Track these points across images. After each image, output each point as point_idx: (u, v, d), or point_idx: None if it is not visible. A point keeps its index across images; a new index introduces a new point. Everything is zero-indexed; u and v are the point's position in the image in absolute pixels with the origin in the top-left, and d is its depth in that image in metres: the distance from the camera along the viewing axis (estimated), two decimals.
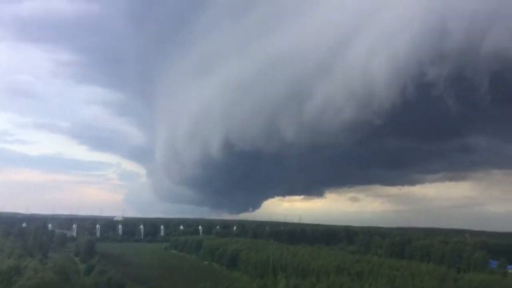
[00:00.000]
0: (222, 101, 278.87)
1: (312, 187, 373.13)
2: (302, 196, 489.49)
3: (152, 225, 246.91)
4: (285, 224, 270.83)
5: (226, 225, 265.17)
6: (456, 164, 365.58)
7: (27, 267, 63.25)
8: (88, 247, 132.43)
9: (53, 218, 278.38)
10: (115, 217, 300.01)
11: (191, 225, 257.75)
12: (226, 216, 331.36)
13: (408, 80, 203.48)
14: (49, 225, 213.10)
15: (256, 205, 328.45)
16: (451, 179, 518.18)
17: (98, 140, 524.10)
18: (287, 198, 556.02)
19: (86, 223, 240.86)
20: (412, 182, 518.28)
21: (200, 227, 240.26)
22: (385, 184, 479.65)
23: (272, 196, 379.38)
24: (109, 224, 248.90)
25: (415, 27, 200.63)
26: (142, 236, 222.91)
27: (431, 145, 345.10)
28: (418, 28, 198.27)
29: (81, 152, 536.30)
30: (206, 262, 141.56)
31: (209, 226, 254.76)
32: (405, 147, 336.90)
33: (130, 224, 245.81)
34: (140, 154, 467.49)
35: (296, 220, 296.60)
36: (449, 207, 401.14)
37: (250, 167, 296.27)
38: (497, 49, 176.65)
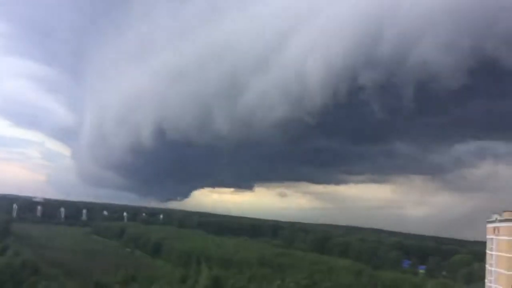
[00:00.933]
0: (157, 87, 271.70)
1: (242, 180, 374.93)
2: (232, 189, 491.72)
3: (74, 208, 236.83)
4: (213, 215, 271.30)
5: (152, 212, 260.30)
6: (380, 168, 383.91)
7: None
8: (3, 227, 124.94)
9: None
10: (34, 197, 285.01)
11: (116, 211, 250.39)
12: (154, 203, 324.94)
13: (340, 82, 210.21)
14: None
15: (185, 194, 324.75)
16: (374, 181, 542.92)
17: (22, 116, 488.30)
18: (217, 189, 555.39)
19: (3, 202, 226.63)
20: (338, 182, 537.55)
21: (125, 214, 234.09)
22: (313, 182, 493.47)
23: (202, 187, 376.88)
24: (27, 204, 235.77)
25: (352, 32, 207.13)
26: (62, 219, 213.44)
27: (358, 147, 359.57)
28: (354, 33, 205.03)
29: (2, 128, 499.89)
30: (129, 249, 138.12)
31: (135, 213, 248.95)
32: (334, 147, 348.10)
33: (51, 206, 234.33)
34: (66, 134, 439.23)
35: (224, 212, 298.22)
36: (370, 208, 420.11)
37: (181, 156, 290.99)
38: (423, 60, 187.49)
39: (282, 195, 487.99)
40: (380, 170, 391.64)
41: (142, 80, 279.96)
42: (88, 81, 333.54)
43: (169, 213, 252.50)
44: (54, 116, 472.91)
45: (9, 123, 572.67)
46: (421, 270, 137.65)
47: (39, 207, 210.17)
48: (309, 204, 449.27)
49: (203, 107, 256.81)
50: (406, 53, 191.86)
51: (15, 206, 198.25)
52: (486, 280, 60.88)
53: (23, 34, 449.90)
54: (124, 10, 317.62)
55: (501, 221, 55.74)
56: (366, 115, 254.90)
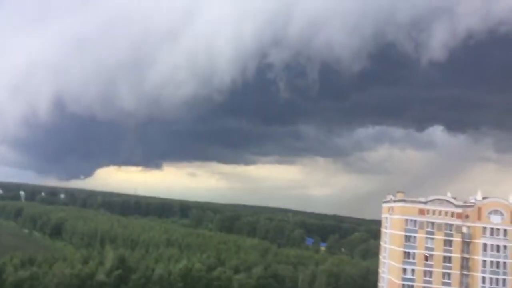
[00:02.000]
0: (56, 56, 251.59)
1: (150, 159, 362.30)
2: (139, 168, 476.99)
3: None
4: (119, 194, 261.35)
5: (53, 192, 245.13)
6: (287, 149, 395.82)
7: None
8: None
9: None
10: None
11: (12, 189, 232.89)
12: (54, 182, 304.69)
13: (249, 59, 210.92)
14: None
15: (88, 173, 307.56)
16: (281, 162, 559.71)
17: None
18: (123, 168, 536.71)
19: None
20: (247, 162, 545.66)
21: (22, 192, 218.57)
22: (222, 162, 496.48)
23: (107, 165, 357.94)
24: None
25: (262, 10, 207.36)
26: None
27: (266, 128, 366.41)
28: (265, 11, 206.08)
29: None
30: (27, 230, 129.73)
31: (33, 192, 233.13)
32: (243, 128, 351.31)
33: None
34: None
35: (131, 192, 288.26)
36: (277, 188, 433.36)
37: (84, 132, 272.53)
38: (329, 41, 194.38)
39: (192, 175, 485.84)
40: (287, 152, 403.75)
41: (41, 46, 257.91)
42: None
43: (71, 192, 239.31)
44: None
45: None
46: (323, 247, 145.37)
47: None
48: (218, 184, 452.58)
49: (108, 80, 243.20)
50: (314, 34, 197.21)
51: None
52: (380, 256, 65.61)
53: None
54: None
55: (395, 201, 60.04)
56: (274, 95, 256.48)
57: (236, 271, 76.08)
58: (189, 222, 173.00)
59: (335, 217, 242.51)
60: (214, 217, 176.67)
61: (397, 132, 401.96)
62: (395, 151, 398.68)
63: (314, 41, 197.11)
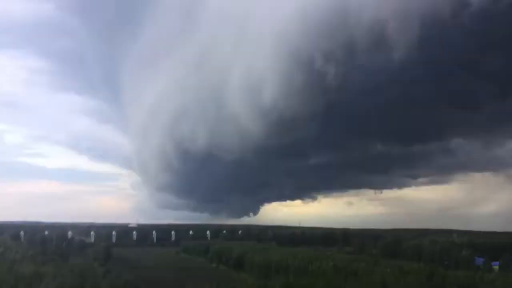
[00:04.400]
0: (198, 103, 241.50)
1: (304, 192, 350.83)
2: (299, 201, 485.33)
3: (163, 231, 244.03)
4: (286, 227, 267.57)
5: (232, 229, 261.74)
6: (439, 168, 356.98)
7: (47, 272, 62.94)
8: (105, 252, 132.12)
9: (73, 226, 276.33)
10: (129, 224, 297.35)
11: (200, 230, 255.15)
12: (232, 221, 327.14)
13: None
14: (69, 233, 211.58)
15: (255, 210, 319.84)
16: (435, 182, 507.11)
17: (93, 150, 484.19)
18: (286, 203, 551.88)
19: (103, 230, 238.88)
20: (400, 186, 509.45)
21: (208, 232, 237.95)
22: (374, 188, 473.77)
23: (269, 202, 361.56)
24: (124, 230, 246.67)
25: None
26: (154, 241, 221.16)
27: (411, 148, 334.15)
28: None
29: (84, 163, 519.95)
30: (214, 265, 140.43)
31: (216, 231, 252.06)
32: (388, 151, 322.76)
33: (144, 230, 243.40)
34: (131, 162, 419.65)
35: (296, 224, 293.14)
36: (437, 209, 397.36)
37: (232, 173, 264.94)
38: None
39: (349, 204, 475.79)
40: (439, 170, 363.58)
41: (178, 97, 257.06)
42: (125, 106, 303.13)
43: (247, 228, 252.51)
44: (118, 146, 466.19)
45: (87, 158, 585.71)
46: (495, 266, 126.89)
47: (134, 232, 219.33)
48: (376, 210, 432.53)
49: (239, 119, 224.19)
50: None
51: (114, 233, 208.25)
52: None
53: (61, 67, 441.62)
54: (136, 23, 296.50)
55: None
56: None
57: None
58: (352, 250, 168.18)
59: (506, 234, 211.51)
60: (376, 243, 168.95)
61: None
62: None
63: None
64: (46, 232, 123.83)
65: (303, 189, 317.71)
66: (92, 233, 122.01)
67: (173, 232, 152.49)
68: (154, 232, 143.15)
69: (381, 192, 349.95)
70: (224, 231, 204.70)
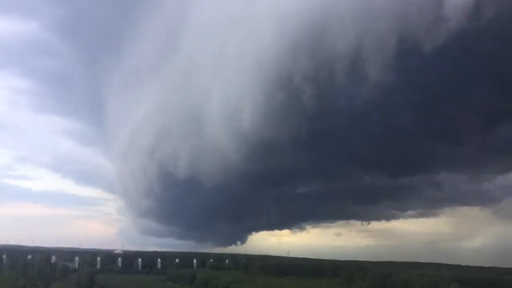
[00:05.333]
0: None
1: (292, 222, 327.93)
2: (288, 231, 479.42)
3: (149, 258, 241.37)
4: (274, 257, 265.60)
5: (219, 258, 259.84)
6: (428, 201, 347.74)
7: None
8: (89, 279, 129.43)
9: (57, 251, 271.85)
10: (114, 250, 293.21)
11: (186, 258, 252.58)
12: (219, 250, 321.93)
13: None
14: (53, 257, 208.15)
15: (242, 239, 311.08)
16: (424, 215, 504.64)
17: (78, 173, 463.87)
18: (274, 232, 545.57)
19: (88, 256, 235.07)
20: (388, 218, 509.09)
21: (194, 260, 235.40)
22: (363, 220, 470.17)
23: (257, 231, 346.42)
24: (109, 256, 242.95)
25: None
26: (140, 269, 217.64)
27: (399, 180, 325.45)
28: None
29: (69, 187, 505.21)
30: None
31: (203, 259, 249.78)
32: (376, 183, 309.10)
33: (129, 257, 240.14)
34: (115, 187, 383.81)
35: (284, 254, 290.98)
36: (425, 242, 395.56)
37: (215, 201, 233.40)
38: None
39: (337, 235, 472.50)
40: (428, 204, 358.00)
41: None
42: (109, 129, 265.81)
43: (233, 257, 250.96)
44: (102, 170, 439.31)
45: (72, 182, 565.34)
46: None
47: (119, 259, 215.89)
48: (364, 242, 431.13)
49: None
50: None
51: (98, 258, 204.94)
52: None
53: (45, 88, 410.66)
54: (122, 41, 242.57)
55: None
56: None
57: None
58: (342, 281, 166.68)
59: (494, 269, 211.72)
60: (365, 275, 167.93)
61: None
62: None
63: None
64: (29, 256, 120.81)
65: (291, 218, 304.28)
66: (76, 258, 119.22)
67: (159, 260, 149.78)
68: (139, 259, 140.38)
69: (368, 224, 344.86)
70: (211, 260, 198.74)
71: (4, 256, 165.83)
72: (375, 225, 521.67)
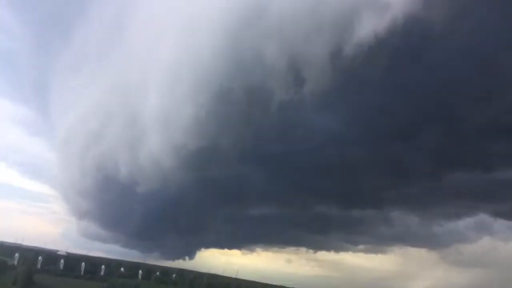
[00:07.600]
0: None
1: (242, 243, 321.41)
2: (239, 251, 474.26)
3: (93, 263, 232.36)
4: (223, 277, 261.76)
5: (166, 271, 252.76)
6: (377, 237, 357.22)
7: None
8: (27, 278, 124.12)
9: None
10: (58, 250, 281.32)
11: (132, 267, 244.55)
12: (167, 263, 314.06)
13: None
14: None
15: (190, 254, 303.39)
16: (372, 250, 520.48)
17: (24, 165, 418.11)
18: (224, 251, 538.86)
19: (29, 254, 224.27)
20: (337, 249, 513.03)
21: (140, 271, 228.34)
22: (312, 248, 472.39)
23: (206, 247, 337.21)
24: (51, 257, 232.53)
25: None
26: (82, 273, 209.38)
27: (353, 213, 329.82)
28: None
29: (16, 178, 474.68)
30: None
31: (149, 271, 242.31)
32: (331, 213, 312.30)
33: (72, 259, 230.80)
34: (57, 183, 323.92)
35: (233, 274, 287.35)
36: (373, 278, 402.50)
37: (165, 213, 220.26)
38: None
39: (288, 261, 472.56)
40: (377, 240, 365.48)
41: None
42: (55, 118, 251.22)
43: (181, 272, 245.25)
44: (48, 163, 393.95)
45: (16, 173, 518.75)
46: None
47: (62, 261, 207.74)
48: (313, 271, 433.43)
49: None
50: None
51: (40, 258, 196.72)
52: None
53: None
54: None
55: None
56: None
57: None
58: None
59: None
60: None
61: (502, 223, 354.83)
62: (498, 243, 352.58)
63: None
64: None
65: (242, 238, 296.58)
66: (16, 255, 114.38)
67: (103, 266, 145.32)
68: (83, 264, 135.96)
69: (315, 252, 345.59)
70: (158, 273, 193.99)
71: None
72: (324, 255, 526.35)
